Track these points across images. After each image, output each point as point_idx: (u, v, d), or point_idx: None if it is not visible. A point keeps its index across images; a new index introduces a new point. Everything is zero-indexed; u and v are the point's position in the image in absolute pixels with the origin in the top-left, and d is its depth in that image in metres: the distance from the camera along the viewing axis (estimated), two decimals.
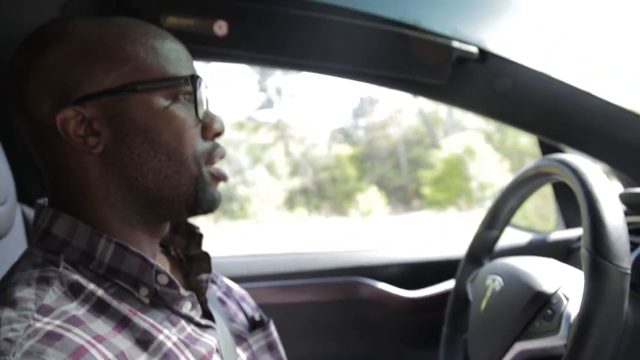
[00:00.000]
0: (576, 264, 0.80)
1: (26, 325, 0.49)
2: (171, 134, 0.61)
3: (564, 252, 1.28)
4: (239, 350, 0.74)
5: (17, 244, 0.97)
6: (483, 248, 1.00)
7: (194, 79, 0.62)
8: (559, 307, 0.71)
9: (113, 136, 0.60)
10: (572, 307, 0.70)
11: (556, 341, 0.69)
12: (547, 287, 0.75)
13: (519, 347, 0.75)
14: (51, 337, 0.49)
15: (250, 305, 0.85)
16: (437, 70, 1.12)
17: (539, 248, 1.26)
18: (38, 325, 0.49)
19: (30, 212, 1.04)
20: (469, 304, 0.93)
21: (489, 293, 0.85)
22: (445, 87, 1.16)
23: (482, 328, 0.84)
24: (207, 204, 0.66)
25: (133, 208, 0.63)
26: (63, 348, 0.48)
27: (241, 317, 0.80)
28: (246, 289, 0.92)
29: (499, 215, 0.96)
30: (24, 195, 1.05)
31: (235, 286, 0.87)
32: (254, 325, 0.80)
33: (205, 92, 0.65)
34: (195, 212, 0.66)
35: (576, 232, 1.32)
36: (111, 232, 0.62)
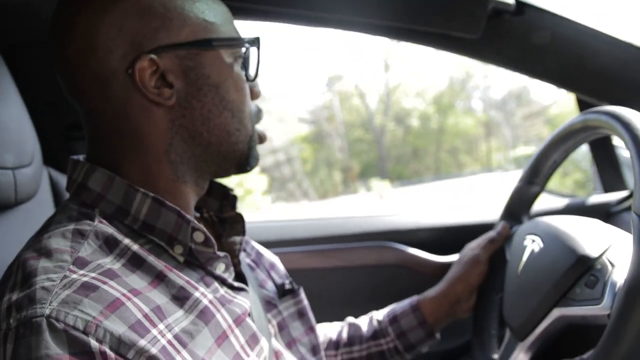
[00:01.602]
0: (617, 227, 0.75)
1: (62, 275, 0.49)
2: (237, 91, 0.64)
3: (603, 216, 1.23)
4: (269, 316, 0.73)
5: (44, 206, 0.97)
6: (522, 204, 0.95)
7: (258, 41, 0.66)
8: (604, 273, 0.66)
9: (186, 89, 0.60)
10: (618, 274, 0.64)
11: (599, 311, 0.63)
12: (591, 250, 0.69)
13: (558, 313, 0.70)
14: (87, 288, 0.48)
15: (279, 273, 0.84)
16: (471, 23, 1.06)
17: (577, 212, 1.21)
18: (74, 276, 0.49)
19: (57, 175, 1.04)
20: (505, 262, 0.89)
21: (527, 254, 0.81)
22: (479, 42, 1.10)
23: (519, 290, 0.81)
24: (254, 163, 0.69)
25: (189, 164, 0.63)
26: (99, 299, 0.48)
27: (270, 284, 0.80)
28: (276, 253, 0.90)
29: (541, 169, 0.90)
30: (50, 158, 1.05)
31: (265, 252, 0.86)
32: (284, 292, 0.80)
33: (257, 56, 0.68)
34: (243, 169, 0.68)
35: (615, 195, 1.27)
36: (156, 187, 0.61)
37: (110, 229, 0.57)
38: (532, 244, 0.80)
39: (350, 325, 0.96)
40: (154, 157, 0.61)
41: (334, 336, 0.95)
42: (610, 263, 0.66)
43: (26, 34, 1.05)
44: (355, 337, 0.94)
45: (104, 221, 0.58)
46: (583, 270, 0.68)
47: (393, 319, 0.94)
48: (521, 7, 1.09)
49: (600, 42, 1.12)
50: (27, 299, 0.47)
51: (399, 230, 1.29)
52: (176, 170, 0.62)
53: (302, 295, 0.82)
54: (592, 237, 0.72)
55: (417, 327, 0.93)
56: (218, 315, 0.58)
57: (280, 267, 0.87)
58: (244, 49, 0.65)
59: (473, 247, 0.97)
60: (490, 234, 0.96)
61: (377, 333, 0.93)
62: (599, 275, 0.66)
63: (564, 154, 0.87)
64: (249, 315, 0.64)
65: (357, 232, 1.28)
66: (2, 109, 0.82)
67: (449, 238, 1.27)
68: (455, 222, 1.29)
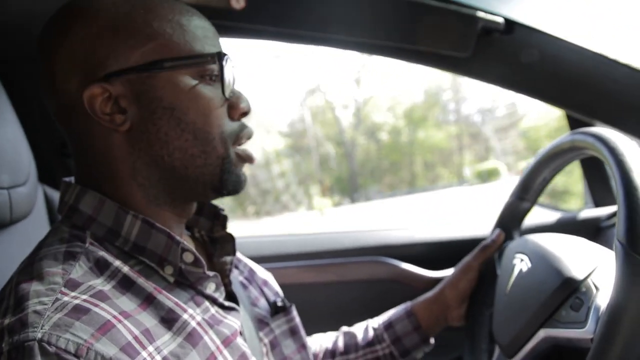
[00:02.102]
0: (606, 243, 0.76)
1: (54, 298, 0.49)
2: (197, 113, 0.60)
3: (593, 230, 1.24)
4: (261, 335, 0.74)
5: (39, 224, 0.97)
6: (513, 219, 0.96)
7: (220, 57, 0.61)
8: (588, 296, 0.66)
9: (139, 114, 0.59)
10: (602, 298, 0.65)
11: (583, 334, 0.64)
12: (577, 273, 0.70)
13: (544, 333, 0.71)
14: (78, 311, 0.49)
15: (272, 290, 0.84)
16: (461, 42, 1.08)
17: (568, 227, 1.22)
18: (65, 299, 0.50)
19: (52, 193, 1.05)
20: (496, 277, 0.90)
21: (515, 273, 0.82)
22: (469, 60, 1.12)
23: (508, 309, 0.82)
24: (233, 185, 0.65)
25: (159, 187, 0.62)
26: (90, 322, 0.49)
27: (263, 301, 0.80)
28: (269, 269, 0.91)
29: (531, 185, 0.92)
30: (46, 176, 1.05)
31: (258, 269, 0.87)
32: (276, 310, 0.80)
33: (231, 71, 0.64)
34: (221, 193, 0.65)
35: (606, 210, 1.28)
36: (138, 211, 0.61)
37: (101, 251, 0.57)
38: (521, 263, 0.81)
39: (345, 333, 0.97)
40: (123, 181, 0.61)
41: (329, 345, 0.95)
42: (595, 286, 0.67)
43: (20, 51, 1.06)
44: (350, 345, 0.94)
45: (95, 243, 0.58)
46: (568, 293, 0.69)
47: (388, 325, 0.94)
48: (511, 26, 1.10)
49: (589, 60, 1.14)
50: (20, 323, 0.47)
51: (392, 245, 1.29)
52: (147, 194, 0.62)
53: (294, 312, 0.82)
54: (578, 258, 0.73)
55: (412, 332, 0.93)
56: (206, 337, 0.58)
57: (273, 284, 0.87)
58: (214, 67, 0.61)
59: (469, 255, 0.98)
60: (484, 242, 0.97)
61: (373, 340, 0.94)
62: (583, 298, 0.67)
63: (554, 172, 0.89)
64: (241, 334, 0.64)
65: (351, 247, 1.28)
66: None
67: (441, 253, 1.27)
68: (448, 237, 1.30)
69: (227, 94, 0.62)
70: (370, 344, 0.94)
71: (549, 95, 1.19)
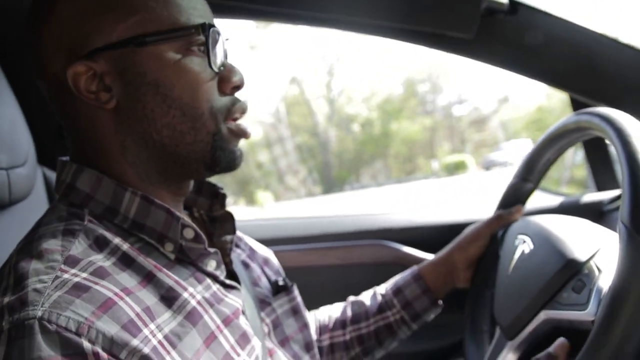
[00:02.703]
0: (609, 227, 0.76)
1: (53, 276, 0.49)
2: (184, 88, 0.59)
3: (595, 214, 1.24)
4: (263, 315, 0.74)
5: (38, 205, 0.97)
6: (516, 200, 0.95)
7: (204, 28, 0.59)
8: (590, 279, 0.65)
9: (125, 91, 0.58)
10: (604, 280, 0.64)
11: (584, 316, 0.63)
12: (579, 254, 0.69)
13: (545, 315, 0.70)
14: (79, 289, 0.49)
15: (273, 269, 0.84)
16: (464, 23, 1.06)
17: (570, 211, 1.21)
18: (65, 276, 0.49)
19: (51, 174, 1.04)
20: (498, 258, 0.89)
21: (517, 254, 0.82)
22: (472, 42, 1.10)
23: (509, 290, 0.81)
24: (227, 162, 0.64)
25: (150, 165, 0.62)
26: (91, 300, 0.48)
27: (264, 280, 0.80)
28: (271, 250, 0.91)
29: (535, 166, 0.90)
30: (45, 158, 1.05)
31: (259, 248, 0.87)
32: (278, 289, 0.80)
33: (222, 44, 0.62)
34: (214, 170, 0.64)
35: (608, 194, 1.28)
36: (134, 188, 0.61)
37: (100, 229, 0.57)
38: (523, 245, 0.81)
39: (354, 302, 0.97)
40: (115, 160, 0.61)
41: (339, 316, 0.95)
42: (598, 268, 0.66)
43: (17, 33, 1.05)
44: (360, 313, 0.94)
45: (93, 221, 0.58)
46: (570, 275, 0.68)
47: (397, 290, 0.94)
48: (515, 7, 1.09)
49: (594, 42, 1.13)
50: (19, 302, 0.47)
51: (394, 229, 1.29)
52: (139, 172, 0.61)
53: (296, 292, 0.82)
54: (581, 240, 0.72)
55: (422, 296, 0.93)
56: (206, 316, 0.58)
57: (274, 261, 0.87)
58: (199, 38, 0.59)
59: (482, 220, 0.98)
60: (501, 211, 0.95)
61: (382, 306, 0.94)
62: (585, 280, 0.66)
63: (558, 152, 0.87)
64: (243, 313, 0.64)
65: (353, 231, 1.28)
66: None
67: (443, 236, 1.26)
68: (449, 220, 1.29)
69: (215, 67, 0.60)
70: (380, 310, 0.94)
71: (552, 77, 1.17)
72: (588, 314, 0.62)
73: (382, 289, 0.97)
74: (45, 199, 1.00)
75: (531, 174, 0.92)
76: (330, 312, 0.97)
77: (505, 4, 1.07)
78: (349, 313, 0.95)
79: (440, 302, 0.95)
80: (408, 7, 1.05)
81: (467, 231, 0.97)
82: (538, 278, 0.72)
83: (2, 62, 0.88)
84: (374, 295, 0.96)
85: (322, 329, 0.95)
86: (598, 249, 0.69)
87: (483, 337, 0.93)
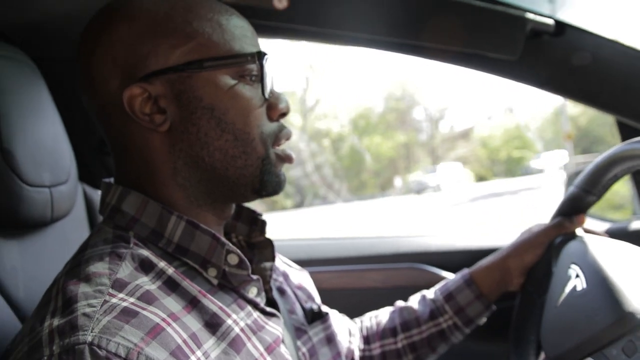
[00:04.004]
0: None
1: (102, 300, 0.49)
2: (237, 113, 0.60)
3: None
4: (299, 343, 0.73)
5: (78, 222, 0.98)
6: (576, 211, 0.91)
7: (260, 56, 0.61)
8: None
9: (179, 114, 0.59)
10: None
11: None
12: (635, 310, 0.63)
13: None
14: (127, 314, 0.49)
15: (306, 293, 0.83)
16: (509, 44, 1.04)
17: (618, 237, 1.16)
18: (114, 300, 0.50)
19: (91, 191, 1.05)
20: (550, 271, 0.86)
21: (568, 288, 0.78)
22: (517, 63, 1.08)
23: (556, 323, 0.77)
24: (273, 186, 0.64)
25: (200, 187, 0.62)
26: (140, 325, 0.48)
27: (299, 308, 0.79)
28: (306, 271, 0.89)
29: (600, 180, 0.86)
30: (85, 175, 1.06)
31: (293, 270, 0.85)
32: (313, 317, 0.79)
33: (271, 71, 0.63)
34: (260, 194, 0.65)
35: None
36: (179, 212, 0.61)
37: (145, 252, 0.57)
38: (576, 280, 0.77)
39: (403, 308, 0.95)
40: (164, 182, 0.61)
41: (388, 323, 0.94)
42: None
43: (62, 50, 1.06)
44: (411, 320, 0.93)
45: (139, 244, 0.58)
46: (622, 332, 0.63)
47: (448, 296, 0.93)
48: (561, 28, 1.06)
49: None
50: (69, 326, 0.47)
51: (430, 252, 1.26)
52: (188, 194, 0.62)
53: (331, 319, 0.81)
54: (639, 290, 0.66)
55: (475, 301, 0.92)
56: (249, 344, 0.57)
57: (308, 285, 0.86)
58: (253, 66, 0.61)
59: (540, 226, 0.95)
60: (562, 219, 0.93)
61: (434, 312, 0.92)
62: (638, 344, 0.61)
63: (627, 171, 0.83)
64: (282, 342, 0.63)
65: (389, 253, 1.26)
66: (41, 126, 0.83)
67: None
68: (487, 245, 1.26)
69: (266, 94, 0.62)
70: (432, 317, 0.92)
71: (600, 100, 1.14)
72: None
73: (431, 293, 0.96)
74: (84, 216, 1.01)
75: (595, 187, 0.87)
76: (378, 318, 0.96)
77: (552, 25, 1.05)
78: (399, 320, 0.94)
79: (494, 306, 0.94)
80: (453, 30, 1.03)
81: (523, 237, 0.95)
82: (587, 325, 0.68)
83: (47, 80, 0.89)
84: (423, 300, 0.95)
85: (370, 337, 0.94)
86: None
87: (528, 348, 0.90)
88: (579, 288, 0.75)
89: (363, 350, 0.92)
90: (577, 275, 0.77)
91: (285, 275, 0.83)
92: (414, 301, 0.96)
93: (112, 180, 0.65)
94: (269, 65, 0.62)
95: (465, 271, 0.96)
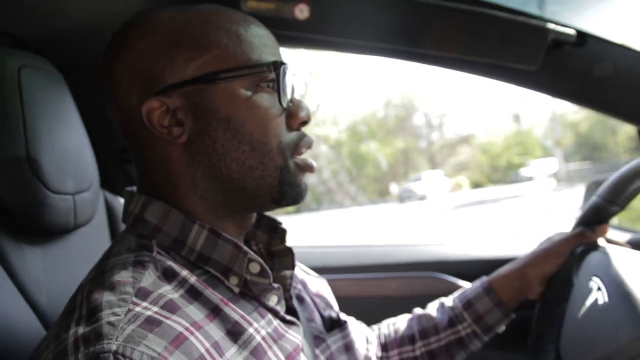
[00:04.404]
0: None
1: (126, 309, 0.50)
2: (254, 123, 0.60)
3: None
4: (317, 352, 0.73)
5: (100, 229, 0.99)
6: (598, 221, 0.90)
7: (276, 66, 0.60)
8: None
9: (196, 126, 0.59)
10: None
11: None
12: None
13: None
14: (151, 323, 0.49)
15: (324, 301, 0.83)
16: (529, 55, 1.03)
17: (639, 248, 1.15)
18: (137, 309, 0.50)
19: (112, 198, 1.06)
20: (571, 282, 0.85)
21: (589, 301, 0.77)
22: (537, 74, 1.07)
23: (577, 336, 0.77)
24: (293, 196, 0.64)
25: (218, 198, 0.62)
26: (163, 334, 0.48)
27: (317, 316, 0.79)
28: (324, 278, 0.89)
29: (624, 190, 0.86)
30: (106, 182, 1.07)
31: (309, 279, 0.86)
32: (332, 325, 0.79)
33: (290, 79, 0.63)
34: (280, 204, 0.64)
35: None
36: (201, 221, 0.61)
37: (168, 261, 0.57)
38: (597, 292, 0.76)
39: (421, 316, 0.95)
40: (184, 193, 0.61)
41: (406, 330, 0.94)
42: None
43: (86, 59, 1.08)
44: (429, 327, 0.93)
45: (162, 252, 0.59)
46: None
47: (467, 304, 0.93)
48: (583, 38, 1.05)
49: None
50: (94, 334, 0.47)
51: (447, 261, 1.26)
52: (207, 205, 0.62)
53: (349, 328, 0.81)
54: None
55: (494, 309, 0.92)
56: (270, 352, 0.57)
57: (326, 293, 0.86)
58: (271, 76, 0.60)
59: (561, 235, 0.95)
60: (585, 229, 0.92)
61: (453, 320, 0.92)
62: None
63: None
64: (302, 350, 0.63)
65: (405, 262, 1.25)
66: (66, 134, 0.84)
67: None
68: (506, 254, 1.25)
69: (284, 103, 0.61)
70: (450, 324, 0.92)
71: (622, 111, 1.12)
72: None
73: (450, 301, 0.95)
74: (106, 222, 1.02)
75: (618, 198, 0.87)
76: (396, 325, 0.96)
77: (573, 35, 1.04)
78: (417, 327, 0.93)
79: (513, 314, 0.93)
80: (473, 39, 1.03)
81: (544, 246, 0.95)
82: (609, 339, 0.68)
83: (71, 88, 0.90)
84: (442, 307, 0.95)
85: (389, 344, 0.93)
86: None
87: (547, 358, 0.89)
88: (600, 302, 0.74)
89: (381, 358, 0.92)
90: (599, 288, 0.76)
91: (304, 283, 0.83)
92: (432, 309, 0.95)
93: (134, 188, 0.65)
94: (287, 73, 0.62)
95: (484, 279, 0.95)
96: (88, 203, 0.87)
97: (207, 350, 0.51)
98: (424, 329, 0.92)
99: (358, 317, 0.96)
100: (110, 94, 0.62)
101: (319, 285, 0.86)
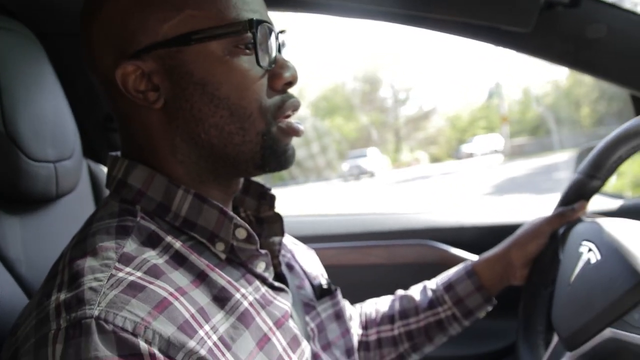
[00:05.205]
0: None
1: (109, 274, 0.49)
2: (232, 87, 0.57)
3: None
4: (307, 319, 0.72)
5: (84, 198, 0.97)
6: (579, 197, 0.89)
7: (252, 24, 0.56)
8: None
9: (172, 90, 0.57)
10: None
11: None
12: None
13: (611, 333, 0.65)
14: (134, 288, 0.48)
15: (315, 270, 0.82)
16: (521, 16, 1.01)
17: (631, 215, 1.15)
18: (120, 274, 0.49)
19: (96, 167, 1.04)
20: (558, 261, 0.84)
21: (581, 263, 0.76)
22: (530, 36, 1.05)
23: (570, 301, 0.76)
24: (277, 162, 0.62)
25: (201, 164, 0.60)
26: (147, 299, 0.48)
27: (307, 284, 0.78)
28: (312, 249, 0.89)
29: (604, 163, 0.84)
30: (90, 151, 1.05)
31: (300, 250, 0.85)
32: (322, 293, 0.78)
33: (274, 38, 0.60)
34: (264, 170, 0.62)
35: None
36: (186, 186, 0.60)
37: (152, 226, 0.56)
38: (588, 253, 0.76)
39: (403, 297, 0.94)
40: (164, 159, 0.60)
41: (387, 310, 0.93)
42: None
43: (64, 26, 1.05)
44: (410, 308, 0.92)
45: (146, 217, 0.57)
46: None
47: (449, 286, 0.92)
48: None
49: None
50: (76, 300, 0.47)
51: (437, 228, 1.25)
52: (189, 170, 0.60)
53: (340, 296, 0.80)
54: None
55: (475, 293, 0.91)
56: (258, 318, 0.57)
57: (316, 263, 0.85)
58: (248, 36, 0.56)
59: (542, 216, 0.93)
60: (563, 208, 0.91)
61: (433, 302, 0.91)
62: None
63: (632, 151, 0.81)
64: (291, 317, 0.63)
65: (397, 229, 1.25)
66: (45, 101, 0.82)
67: (490, 238, 1.22)
68: (496, 222, 1.25)
69: (264, 64, 0.58)
70: (431, 306, 0.91)
71: (615, 73, 1.11)
72: None
73: (433, 283, 0.95)
74: (90, 192, 1.00)
75: (599, 171, 0.86)
76: (378, 305, 0.95)
77: None
78: (398, 307, 0.93)
79: (494, 300, 0.92)
80: (463, 1, 1.00)
81: (525, 228, 0.93)
82: (606, 293, 0.67)
83: (50, 55, 0.87)
84: (424, 289, 0.94)
85: (368, 323, 0.93)
86: None
87: (537, 339, 0.89)
88: (593, 260, 0.74)
89: (360, 336, 0.92)
90: (590, 250, 0.76)
91: (293, 253, 0.82)
92: (415, 290, 0.95)
93: (119, 153, 0.64)
94: (268, 32, 0.58)
95: (468, 262, 0.94)
96: (70, 171, 0.85)
97: (192, 315, 0.49)
98: (404, 310, 0.92)
99: (346, 286, 0.95)
100: (90, 59, 0.60)
101: (309, 256, 0.85)
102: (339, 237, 1.24)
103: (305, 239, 1.01)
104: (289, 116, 0.62)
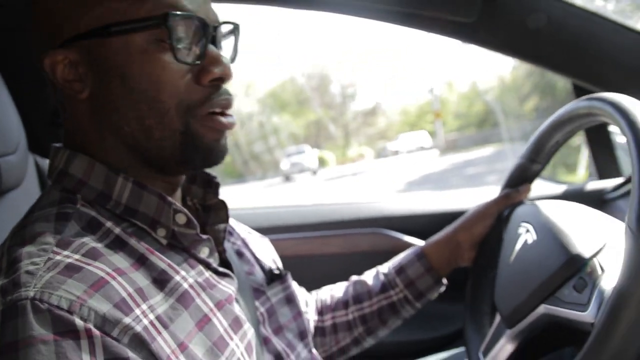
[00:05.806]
0: (612, 214, 0.74)
1: (46, 258, 0.49)
2: (150, 80, 0.56)
3: (598, 203, 1.22)
4: (257, 304, 0.73)
5: (30, 193, 0.95)
6: (523, 180, 0.93)
7: (167, 18, 0.55)
8: (593, 278, 0.63)
9: (96, 82, 0.58)
10: (607, 282, 0.61)
11: (584, 317, 0.61)
12: (583, 251, 0.67)
13: (545, 309, 0.69)
14: (71, 269, 0.49)
15: (267, 258, 0.83)
16: (466, 6, 1.04)
17: (573, 199, 1.19)
18: (58, 258, 0.49)
19: (43, 162, 1.02)
20: (501, 242, 0.88)
21: (520, 243, 0.80)
22: (474, 25, 1.08)
23: (510, 280, 0.80)
24: (202, 160, 0.61)
25: (130, 156, 0.60)
26: (83, 279, 0.48)
27: (258, 270, 0.79)
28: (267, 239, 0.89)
29: (543, 148, 0.88)
30: (36, 146, 1.03)
31: (252, 238, 0.85)
32: (272, 278, 0.79)
33: (201, 32, 0.58)
34: (188, 167, 0.62)
35: (611, 182, 1.26)
36: (126, 174, 0.60)
37: (92, 212, 0.57)
38: (526, 234, 0.79)
39: (356, 282, 0.96)
40: (99, 148, 0.60)
41: (341, 295, 0.95)
42: (601, 267, 0.64)
43: (9, 19, 1.02)
44: (363, 293, 0.94)
45: (86, 205, 0.57)
46: (572, 272, 0.66)
47: (400, 270, 0.93)
48: None
49: (598, 26, 1.10)
50: (12, 284, 0.47)
51: (393, 217, 1.28)
52: (122, 160, 0.60)
53: (290, 280, 0.82)
54: (585, 234, 0.69)
55: (425, 274, 0.92)
56: (198, 300, 0.57)
57: (269, 250, 0.86)
58: (163, 29, 0.55)
59: (488, 199, 0.96)
60: (509, 190, 0.94)
61: (385, 285, 0.93)
62: (587, 279, 0.64)
63: (567, 135, 0.85)
64: (236, 301, 0.63)
65: (352, 219, 1.26)
66: None
67: (441, 225, 1.25)
68: (449, 208, 1.28)
69: (182, 58, 0.56)
70: (383, 289, 0.93)
71: (555, 62, 1.15)
72: (588, 315, 0.61)
73: (385, 268, 0.96)
74: (37, 187, 0.99)
75: (539, 155, 0.90)
76: (333, 291, 0.97)
77: None
78: (352, 292, 0.94)
79: (445, 280, 0.94)
80: None
81: (472, 210, 0.96)
82: (540, 271, 0.71)
83: None
84: (377, 274, 0.96)
85: (324, 309, 0.94)
86: (603, 245, 0.67)
87: (483, 320, 0.92)
88: (529, 241, 0.77)
89: (316, 322, 0.93)
90: (527, 230, 0.79)
91: (245, 242, 0.83)
92: (368, 275, 0.97)
93: (61, 145, 0.63)
94: (190, 25, 0.57)
95: (418, 246, 0.96)
96: (15, 166, 0.84)
97: (129, 294, 0.50)
98: (358, 294, 0.94)
99: (304, 276, 0.96)
100: (34, 47, 0.60)
101: (261, 244, 0.86)
102: (295, 227, 1.25)
103: (262, 231, 1.01)
104: (219, 112, 0.60)
